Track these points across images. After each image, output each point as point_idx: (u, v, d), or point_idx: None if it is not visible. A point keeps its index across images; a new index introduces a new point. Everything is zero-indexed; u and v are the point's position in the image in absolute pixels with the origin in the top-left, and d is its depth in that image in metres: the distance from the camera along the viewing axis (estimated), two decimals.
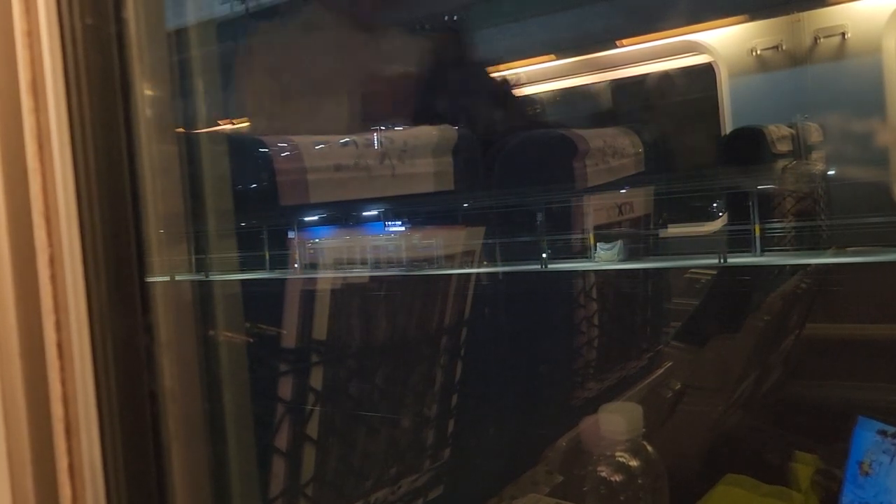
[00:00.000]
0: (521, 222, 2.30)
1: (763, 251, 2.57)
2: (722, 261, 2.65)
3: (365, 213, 1.93)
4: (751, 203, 2.64)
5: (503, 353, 2.21)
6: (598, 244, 2.49)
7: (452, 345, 1.96)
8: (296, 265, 1.67)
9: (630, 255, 2.55)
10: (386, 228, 1.97)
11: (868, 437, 1.37)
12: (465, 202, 2.04)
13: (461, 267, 1.99)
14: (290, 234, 1.67)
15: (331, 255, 1.76)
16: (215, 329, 0.92)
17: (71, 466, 0.70)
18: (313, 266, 1.71)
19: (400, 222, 1.99)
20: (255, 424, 0.98)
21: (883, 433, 1.36)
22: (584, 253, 2.46)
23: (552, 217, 2.38)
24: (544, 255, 2.37)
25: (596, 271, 2.47)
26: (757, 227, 2.59)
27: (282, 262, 1.68)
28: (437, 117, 2.10)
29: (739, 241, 2.60)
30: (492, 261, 2.12)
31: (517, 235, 2.27)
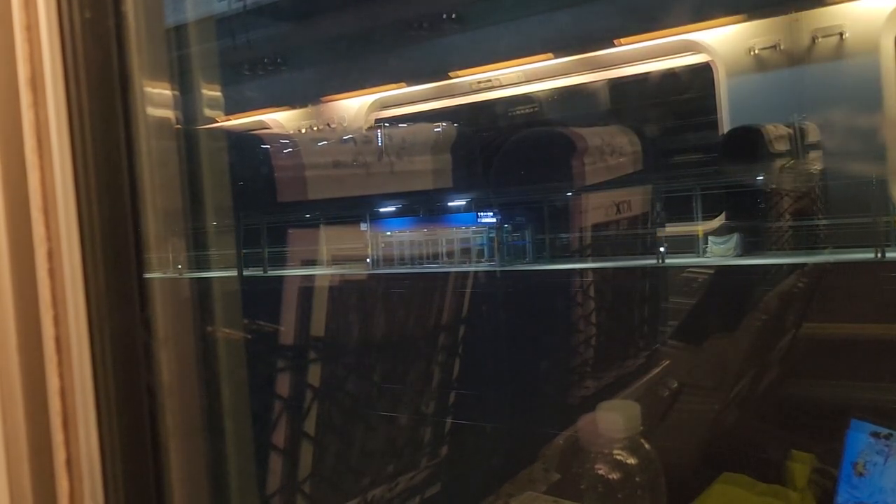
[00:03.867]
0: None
1: None
2: (880, 255, 2.35)
3: (451, 204, 1.84)
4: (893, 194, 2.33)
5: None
6: (709, 238, 2.34)
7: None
8: (368, 260, 1.62)
9: (748, 250, 2.34)
10: (478, 220, 1.89)
11: (861, 439, 1.38)
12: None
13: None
14: (363, 226, 1.62)
15: (410, 249, 1.69)
16: (214, 325, 0.92)
17: (68, 460, 0.70)
18: (388, 260, 1.65)
19: (492, 213, 1.91)
20: (252, 421, 0.98)
21: (876, 435, 1.36)
22: (691, 247, 2.30)
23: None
24: (662, 250, 2.26)
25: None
26: None
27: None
28: None
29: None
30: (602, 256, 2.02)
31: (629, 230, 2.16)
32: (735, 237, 2.37)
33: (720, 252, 2.37)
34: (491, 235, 1.93)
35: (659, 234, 2.29)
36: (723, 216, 3.61)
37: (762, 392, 3.05)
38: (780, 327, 2.99)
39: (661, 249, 2.28)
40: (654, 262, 2.28)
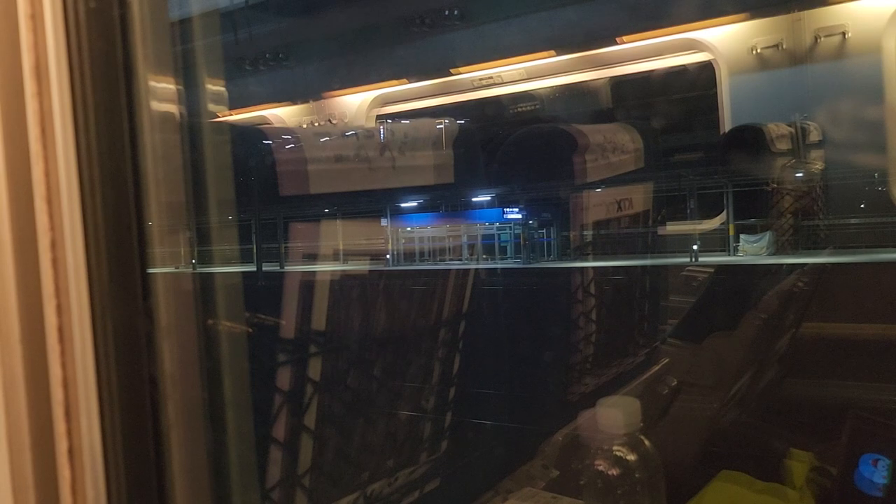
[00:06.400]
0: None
1: None
2: None
3: (475, 200, 1.81)
4: None
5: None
6: (741, 236, 2.26)
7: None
8: (387, 256, 1.60)
9: (782, 249, 2.25)
10: (504, 216, 1.87)
11: None
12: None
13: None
14: (383, 222, 1.60)
15: (432, 245, 1.66)
16: (216, 318, 0.92)
17: (70, 449, 0.70)
18: (410, 256, 1.62)
19: (517, 209, 1.88)
20: (253, 413, 0.98)
21: None
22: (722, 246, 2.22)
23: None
24: (695, 247, 2.21)
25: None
26: None
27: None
28: None
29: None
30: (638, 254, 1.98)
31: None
32: (768, 235, 2.30)
33: (752, 251, 2.30)
34: (517, 232, 1.91)
35: (689, 232, 2.25)
36: (724, 214, 3.60)
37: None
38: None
39: (695, 247, 2.24)
40: (686, 259, 2.23)
